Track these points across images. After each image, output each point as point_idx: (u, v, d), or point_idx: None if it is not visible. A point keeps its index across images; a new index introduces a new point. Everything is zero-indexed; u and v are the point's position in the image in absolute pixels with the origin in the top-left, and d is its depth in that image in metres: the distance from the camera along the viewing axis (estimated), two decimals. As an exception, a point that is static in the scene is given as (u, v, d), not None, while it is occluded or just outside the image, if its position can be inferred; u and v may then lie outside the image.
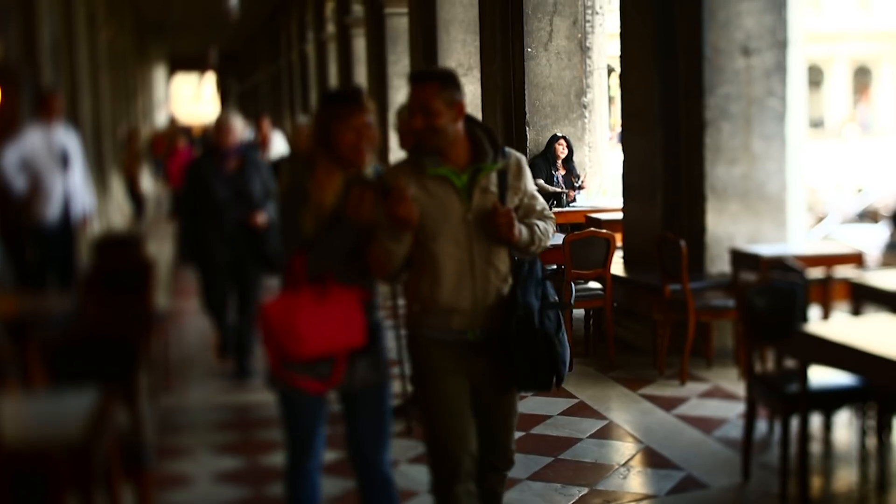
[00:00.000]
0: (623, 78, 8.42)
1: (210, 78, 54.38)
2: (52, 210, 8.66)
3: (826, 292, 6.74)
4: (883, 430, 5.07)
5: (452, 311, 3.70)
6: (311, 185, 3.75)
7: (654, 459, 5.46)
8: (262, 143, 13.65)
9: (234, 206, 7.18)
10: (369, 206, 3.65)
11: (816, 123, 45.49)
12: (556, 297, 3.85)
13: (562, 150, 10.00)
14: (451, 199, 3.66)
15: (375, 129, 3.79)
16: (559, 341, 3.73)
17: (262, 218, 7.19)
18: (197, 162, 7.61)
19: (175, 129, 20.71)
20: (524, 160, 3.82)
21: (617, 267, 7.82)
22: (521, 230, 3.68)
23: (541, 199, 3.86)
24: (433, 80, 3.64)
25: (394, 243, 3.64)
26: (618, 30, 8.37)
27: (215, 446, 5.93)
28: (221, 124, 7.36)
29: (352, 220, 3.67)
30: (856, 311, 5.95)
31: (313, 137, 3.84)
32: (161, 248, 13.75)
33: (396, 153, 10.91)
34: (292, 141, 8.18)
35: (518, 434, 5.65)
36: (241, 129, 7.51)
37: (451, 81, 3.66)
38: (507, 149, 3.79)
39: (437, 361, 3.75)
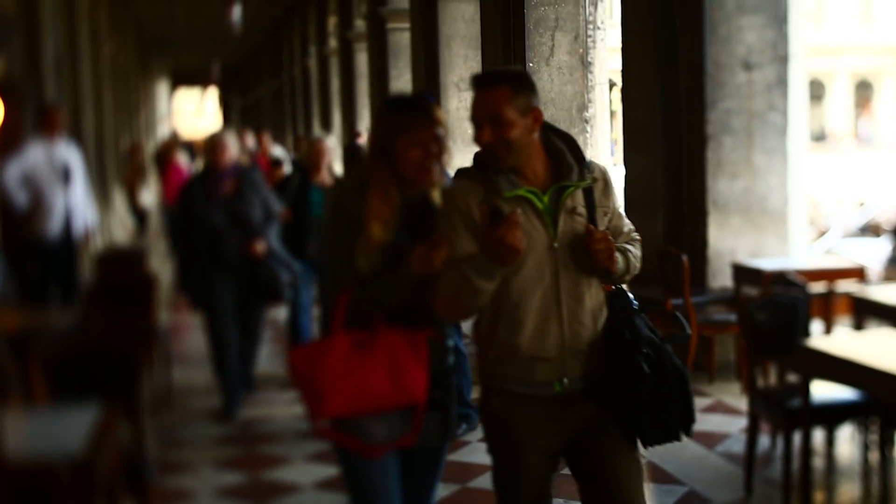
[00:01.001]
0: (625, 93, 8.44)
1: (212, 92, 54.48)
2: (54, 225, 8.66)
3: (828, 307, 6.74)
4: (885, 445, 5.07)
5: (536, 359, 3.05)
6: (364, 212, 3.15)
7: (656, 474, 5.45)
8: (262, 156, 13.72)
9: (232, 234, 6.67)
10: (439, 260, 3.05)
11: (818, 137, 45.53)
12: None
13: (563, 164, 10.02)
14: (533, 226, 3.02)
15: (447, 144, 3.21)
16: (688, 376, 3.15)
17: (261, 246, 6.71)
18: (190, 186, 7.01)
19: (173, 143, 20.64)
20: (609, 173, 3.23)
21: (619, 281, 7.82)
22: (618, 258, 3.10)
23: (626, 218, 3.28)
24: (502, 84, 3.02)
25: (486, 281, 2.96)
26: (619, 45, 8.39)
27: (217, 461, 5.93)
28: (215, 143, 6.83)
29: (413, 271, 3.07)
30: (858, 326, 5.95)
31: (370, 152, 3.27)
32: (163, 262, 13.76)
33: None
34: (306, 158, 7.87)
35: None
36: (236, 147, 6.98)
37: (524, 83, 3.06)
38: (590, 160, 3.17)
39: (517, 427, 3.12)
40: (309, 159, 7.63)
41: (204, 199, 6.69)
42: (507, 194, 3.01)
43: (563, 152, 3.12)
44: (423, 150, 3.16)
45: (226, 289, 6.77)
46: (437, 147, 3.18)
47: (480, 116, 3.03)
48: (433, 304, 3.08)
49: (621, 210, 3.26)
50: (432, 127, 3.18)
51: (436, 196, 3.26)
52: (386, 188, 3.18)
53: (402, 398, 3.12)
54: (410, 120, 3.17)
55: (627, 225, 3.27)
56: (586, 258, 3.05)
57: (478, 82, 3.08)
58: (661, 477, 5.39)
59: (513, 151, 3.02)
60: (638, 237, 3.30)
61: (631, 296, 3.18)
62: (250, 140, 13.94)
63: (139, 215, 18.31)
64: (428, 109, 3.20)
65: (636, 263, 3.22)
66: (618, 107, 10.10)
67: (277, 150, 14.53)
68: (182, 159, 16.86)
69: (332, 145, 7.74)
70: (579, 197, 3.10)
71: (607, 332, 3.11)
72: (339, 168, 17.85)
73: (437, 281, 3.04)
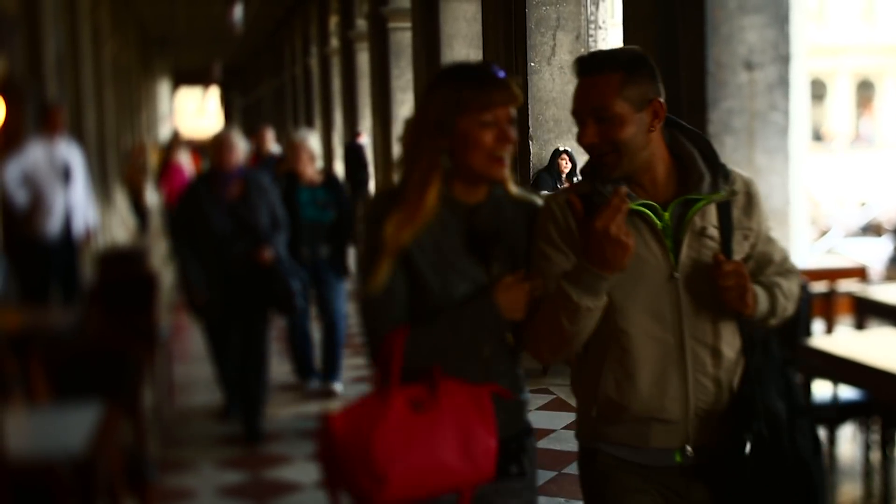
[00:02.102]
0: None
1: (214, 92, 54.49)
2: (54, 224, 8.67)
3: (829, 306, 6.73)
4: (887, 445, 5.07)
5: (652, 420, 2.43)
6: (388, 223, 2.46)
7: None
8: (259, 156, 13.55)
9: (237, 240, 6.24)
10: (524, 299, 2.43)
11: (815, 137, 45.53)
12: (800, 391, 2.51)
13: (565, 165, 10.02)
14: (648, 249, 2.40)
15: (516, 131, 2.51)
16: (817, 468, 2.43)
17: (269, 253, 6.26)
18: (193, 188, 6.54)
19: (176, 143, 20.56)
20: (755, 186, 2.54)
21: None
22: (756, 295, 2.43)
23: (779, 243, 2.60)
24: (612, 69, 2.38)
25: (590, 297, 2.33)
26: (620, 44, 8.39)
27: (219, 460, 5.93)
28: (221, 142, 6.35)
29: (499, 307, 2.42)
30: (859, 326, 5.95)
31: (413, 134, 2.53)
32: (164, 262, 13.76)
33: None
34: (285, 160, 7.59)
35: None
36: (243, 147, 6.49)
37: (640, 68, 2.40)
38: (731, 168, 2.51)
39: (624, 502, 2.49)
40: (289, 159, 7.28)
41: (209, 203, 6.26)
42: None
43: (693, 157, 2.48)
44: (496, 133, 2.46)
45: (229, 299, 6.30)
46: (512, 131, 2.50)
47: (583, 110, 2.42)
48: (525, 338, 2.49)
49: (770, 233, 2.57)
50: (509, 103, 2.48)
51: (512, 192, 2.59)
52: (427, 180, 2.46)
53: (474, 474, 2.42)
54: (481, 94, 2.45)
55: (780, 252, 2.57)
56: (714, 294, 2.40)
57: (581, 67, 2.44)
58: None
59: (624, 155, 2.39)
60: (794, 268, 2.60)
61: (774, 345, 2.50)
62: (270, 138, 13.60)
63: (142, 215, 18.32)
64: (503, 81, 2.49)
65: (786, 304, 2.52)
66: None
67: (275, 148, 14.46)
68: (184, 160, 16.83)
69: (311, 140, 7.18)
70: (712, 215, 2.45)
71: (739, 390, 2.46)
72: (339, 167, 17.88)
73: (530, 315, 2.45)
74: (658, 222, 2.41)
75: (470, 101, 2.44)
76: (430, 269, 2.47)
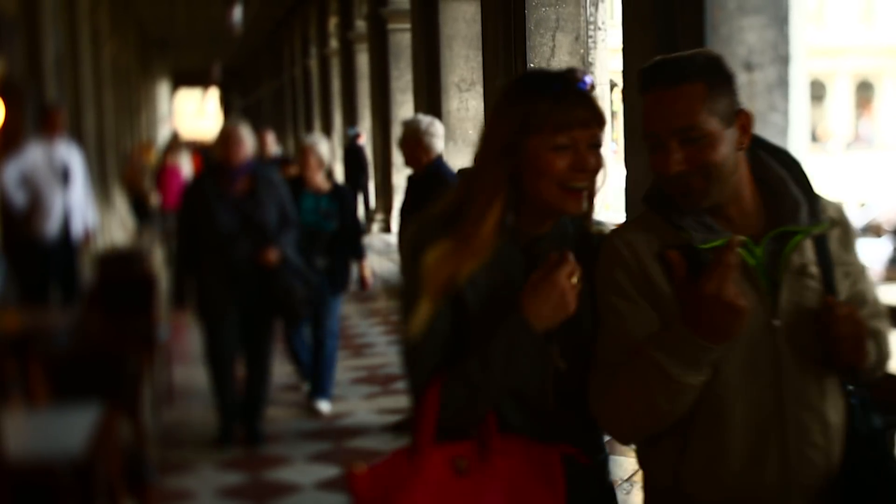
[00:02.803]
0: (626, 93, 8.41)
1: (213, 93, 54.51)
2: (53, 225, 8.67)
3: (829, 307, 6.73)
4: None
5: (748, 500, 1.98)
6: (430, 253, 2.02)
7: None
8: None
9: (243, 239, 5.93)
10: (561, 292, 1.96)
11: (816, 138, 45.56)
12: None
13: (565, 165, 10.03)
14: (741, 292, 1.90)
15: (604, 159, 2.09)
16: None
17: (274, 254, 5.95)
18: (197, 183, 6.27)
19: (174, 144, 20.45)
20: (847, 213, 2.14)
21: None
22: (869, 347, 2.04)
23: (871, 281, 2.18)
24: (693, 78, 1.94)
25: (691, 372, 1.89)
26: (620, 45, 8.39)
27: (218, 461, 5.92)
28: (228, 135, 6.01)
29: (526, 312, 1.98)
30: (859, 326, 5.94)
31: (480, 160, 2.10)
32: (162, 265, 13.76)
33: (402, 171, 10.93)
34: (288, 163, 7.46)
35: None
36: (252, 141, 6.14)
37: (722, 74, 2.00)
38: (822, 196, 2.08)
39: None
40: (298, 163, 7.09)
41: (214, 199, 5.94)
42: (700, 246, 1.94)
43: (784, 181, 2.05)
44: (572, 160, 2.02)
45: (231, 303, 6.04)
46: (594, 159, 2.05)
47: (664, 131, 1.95)
48: (598, 410, 2.02)
49: (865, 268, 2.15)
50: (591, 125, 2.05)
51: (587, 226, 2.17)
52: (487, 209, 2.02)
53: None
54: (556, 111, 2.01)
55: (872, 290, 2.14)
56: (826, 344, 1.98)
57: (652, 77, 1.98)
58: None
59: (716, 181, 1.95)
60: (885, 308, 2.18)
61: (873, 404, 2.18)
62: (271, 140, 13.51)
63: (145, 216, 18.28)
64: (586, 96, 2.05)
65: (889, 352, 2.15)
66: (619, 107, 10.09)
67: (275, 150, 14.43)
68: (183, 162, 16.76)
69: (321, 146, 6.92)
70: (809, 250, 2.02)
71: (843, 462, 2.04)
72: (339, 169, 17.89)
73: (601, 371, 2.00)
74: (751, 259, 1.96)
75: (542, 120, 2.01)
76: (481, 306, 2.05)
